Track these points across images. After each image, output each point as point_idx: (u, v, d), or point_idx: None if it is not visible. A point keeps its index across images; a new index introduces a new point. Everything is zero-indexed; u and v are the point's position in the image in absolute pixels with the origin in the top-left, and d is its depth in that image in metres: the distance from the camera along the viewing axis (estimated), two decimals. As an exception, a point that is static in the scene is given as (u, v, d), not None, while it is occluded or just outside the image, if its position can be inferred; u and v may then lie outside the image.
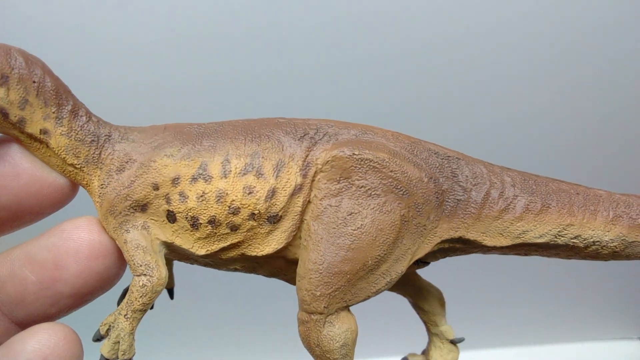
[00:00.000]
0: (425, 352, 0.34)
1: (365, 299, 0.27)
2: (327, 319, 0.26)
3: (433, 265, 0.37)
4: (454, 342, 0.34)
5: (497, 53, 0.58)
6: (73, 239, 0.26)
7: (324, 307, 0.26)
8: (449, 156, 0.28)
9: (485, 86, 0.60)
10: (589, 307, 0.76)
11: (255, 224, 0.27)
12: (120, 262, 0.27)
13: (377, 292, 0.27)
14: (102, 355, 0.26)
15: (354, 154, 0.26)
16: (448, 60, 0.58)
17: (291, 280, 0.29)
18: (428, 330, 0.34)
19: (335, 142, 0.27)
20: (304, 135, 0.27)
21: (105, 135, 0.27)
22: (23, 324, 0.27)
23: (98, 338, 0.27)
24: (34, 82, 0.26)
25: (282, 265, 0.28)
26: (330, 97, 0.58)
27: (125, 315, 0.26)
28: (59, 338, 0.24)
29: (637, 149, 0.64)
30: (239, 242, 0.27)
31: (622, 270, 0.74)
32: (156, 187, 0.26)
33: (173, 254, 0.28)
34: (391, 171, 0.26)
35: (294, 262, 0.28)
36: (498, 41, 0.58)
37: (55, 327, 0.25)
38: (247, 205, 0.26)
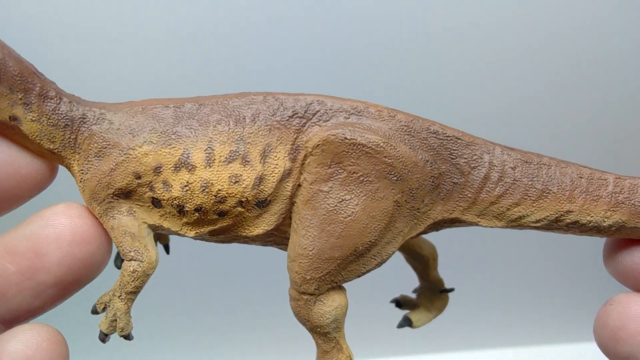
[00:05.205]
0: (417, 296, 0.36)
1: (355, 278, 0.27)
2: (317, 299, 0.27)
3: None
4: (444, 292, 0.34)
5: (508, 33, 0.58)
6: (53, 225, 0.25)
7: (314, 289, 0.26)
8: (448, 136, 0.26)
9: (496, 64, 0.59)
10: (589, 307, 0.76)
11: (243, 210, 0.26)
12: (105, 248, 0.26)
13: (367, 272, 0.27)
14: (101, 331, 0.26)
15: (346, 138, 0.25)
16: (450, 44, 0.58)
17: (283, 248, 0.29)
18: (420, 278, 0.35)
19: (326, 122, 0.26)
20: (293, 115, 0.26)
21: (80, 118, 0.26)
22: (6, 322, 0.26)
23: (95, 312, 0.27)
24: None
25: (274, 239, 0.28)
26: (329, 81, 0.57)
27: (119, 296, 0.26)
28: (42, 338, 0.23)
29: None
30: (228, 225, 0.26)
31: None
32: (138, 177, 0.25)
33: (162, 232, 0.28)
34: (385, 157, 0.25)
35: (286, 237, 0.27)
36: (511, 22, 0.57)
37: (38, 327, 0.24)
38: (234, 194, 0.25)
